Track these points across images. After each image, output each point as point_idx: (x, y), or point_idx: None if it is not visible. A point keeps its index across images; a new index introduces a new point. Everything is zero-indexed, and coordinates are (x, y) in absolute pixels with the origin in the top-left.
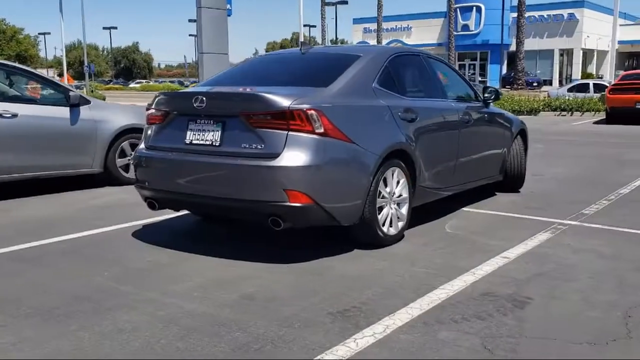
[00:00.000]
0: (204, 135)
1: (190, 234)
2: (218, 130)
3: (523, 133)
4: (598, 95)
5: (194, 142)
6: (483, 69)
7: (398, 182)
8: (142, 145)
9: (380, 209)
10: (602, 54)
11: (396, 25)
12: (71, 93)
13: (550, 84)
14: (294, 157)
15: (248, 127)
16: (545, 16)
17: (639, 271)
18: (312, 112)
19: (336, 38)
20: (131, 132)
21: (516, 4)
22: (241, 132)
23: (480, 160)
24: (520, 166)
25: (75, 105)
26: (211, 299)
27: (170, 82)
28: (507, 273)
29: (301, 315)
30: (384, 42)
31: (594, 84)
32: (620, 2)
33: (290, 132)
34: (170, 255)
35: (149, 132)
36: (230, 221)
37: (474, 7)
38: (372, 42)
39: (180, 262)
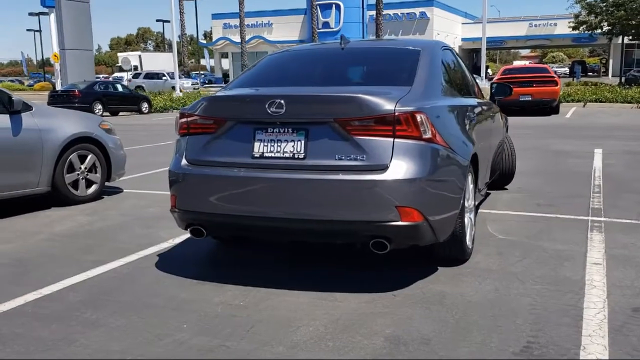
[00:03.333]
0: (280, 146)
1: (222, 262)
2: (301, 140)
3: (507, 128)
4: None
5: (266, 155)
6: None
7: (470, 189)
8: (182, 161)
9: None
10: None
11: (257, 21)
12: (14, 97)
13: None
14: (404, 168)
15: (343, 134)
16: (400, 14)
17: None
18: (421, 115)
19: (197, 33)
20: (79, 141)
21: (373, 3)
22: (333, 140)
23: (496, 158)
24: (512, 162)
25: (16, 112)
26: (357, 348)
27: (10, 81)
28: (623, 282)
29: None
30: (247, 37)
31: None
32: (462, 2)
33: (397, 140)
34: (240, 293)
35: (189, 144)
36: (252, 242)
37: (334, 5)
38: (234, 37)
39: (260, 300)
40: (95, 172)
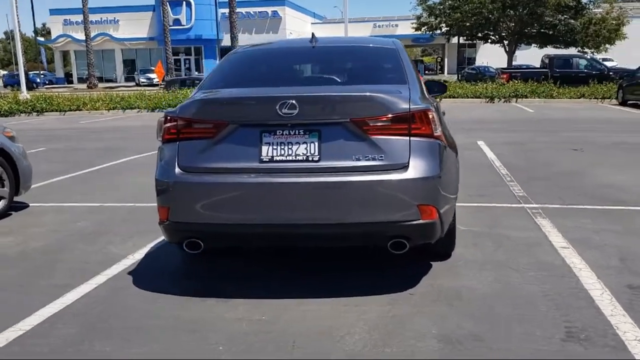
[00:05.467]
0: (292, 149)
1: (204, 275)
2: (314, 142)
3: None
4: None
5: (276, 158)
6: (198, 63)
7: None
8: (174, 169)
9: None
10: None
11: (101, 18)
12: None
13: None
14: (422, 166)
15: (359, 134)
16: (252, 13)
17: None
18: (432, 113)
19: (35, 30)
20: None
21: (225, 0)
22: (348, 141)
23: None
24: None
25: None
26: (418, 352)
27: None
28: (599, 263)
29: (551, 349)
30: (92, 34)
31: None
32: (309, 2)
33: (413, 138)
34: (252, 307)
35: (182, 150)
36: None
37: (184, 2)
38: (77, 35)
39: (281, 313)
40: (3, 186)
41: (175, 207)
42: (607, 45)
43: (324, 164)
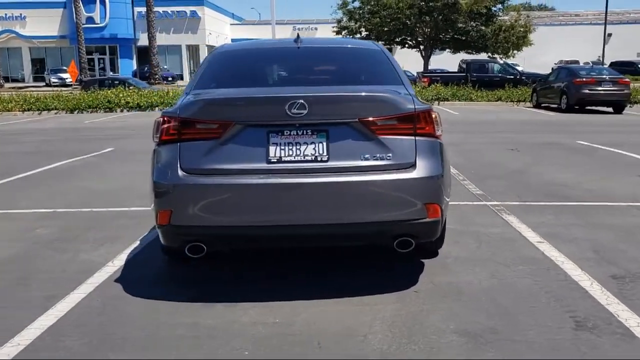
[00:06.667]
0: (300, 149)
1: (196, 279)
2: (322, 142)
3: None
4: None
5: (284, 159)
6: (113, 63)
7: None
8: (176, 171)
9: None
10: None
11: (6, 14)
12: None
13: (182, 78)
14: (428, 165)
15: (367, 134)
16: (170, 12)
17: None
18: (434, 113)
19: None
20: None
21: None
22: (356, 141)
23: None
24: None
25: None
26: (444, 347)
27: None
28: (577, 255)
29: (566, 337)
30: None
31: None
32: (228, 3)
33: (418, 138)
34: (264, 310)
35: (184, 151)
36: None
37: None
38: None
39: (294, 315)
40: None
41: (179, 210)
42: (515, 51)
43: (333, 164)
